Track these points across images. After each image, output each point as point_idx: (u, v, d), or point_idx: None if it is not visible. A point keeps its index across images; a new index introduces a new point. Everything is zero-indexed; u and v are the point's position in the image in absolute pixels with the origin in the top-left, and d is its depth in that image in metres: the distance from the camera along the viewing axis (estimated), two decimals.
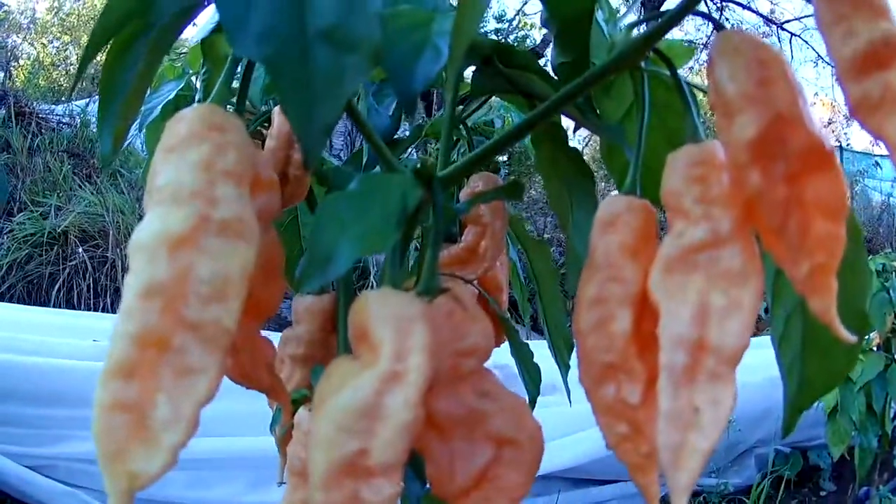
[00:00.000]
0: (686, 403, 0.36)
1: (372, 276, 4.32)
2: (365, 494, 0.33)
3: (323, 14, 0.33)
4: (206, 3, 0.44)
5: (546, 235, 6.33)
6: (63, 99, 7.69)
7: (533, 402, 0.75)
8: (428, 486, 0.65)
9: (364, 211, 0.35)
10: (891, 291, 2.95)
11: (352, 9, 0.33)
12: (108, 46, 0.44)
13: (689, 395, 0.36)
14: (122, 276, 4.64)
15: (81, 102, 6.57)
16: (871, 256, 3.44)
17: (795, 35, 9.99)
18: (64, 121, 6.21)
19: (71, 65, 9.96)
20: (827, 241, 0.37)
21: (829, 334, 0.53)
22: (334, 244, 0.33)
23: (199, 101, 0.81)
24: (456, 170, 0.45)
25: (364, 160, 0.72)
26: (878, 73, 0.36)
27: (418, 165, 0.41)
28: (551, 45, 0.61)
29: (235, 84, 0.46)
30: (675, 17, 0.45)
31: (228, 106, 0.42)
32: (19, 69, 9.06)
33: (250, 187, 0.39)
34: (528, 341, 0.94)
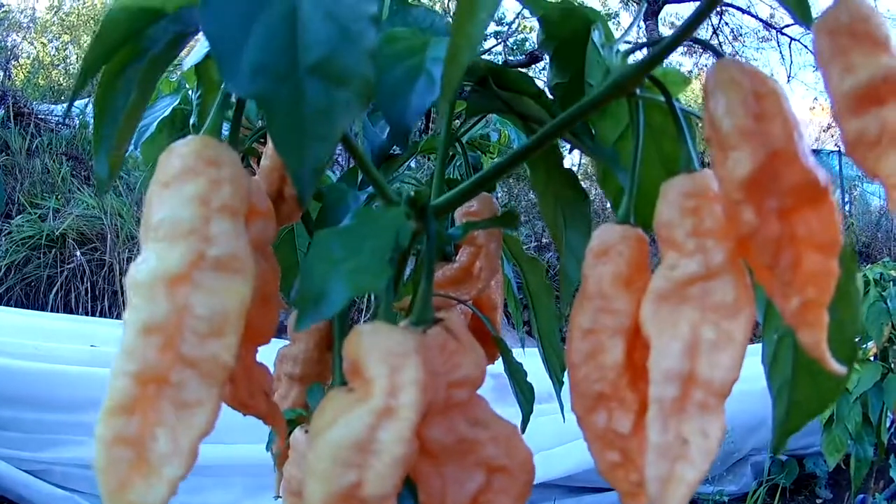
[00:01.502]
0: (674, 436, 0.36)
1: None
2: None
3: (315, 47, 0.33)
4: (198, 30, 0.44)
5: (544, 240, 6.33)
6: (62, 99, 7.69)
7: (526, 420, 0.75)
8: None
9: (356, 248, 0.35)
10: (888, 301, 2.95)
11: (344, 42, 0.34)
12: (101, 72, 0.45)
13: (678, 427, 0.36)
14: (121, 279, 4.63)
15: (80, 103, 6.56)
16: (868, 265, 3.45)
17: (795, 39, 10.00)
18: (63, 121, 6.21)
19: (70, 64, 9.95)
20: (818, 276, 0.37)
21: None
22: (326, 282, 0.33)
23: (193, 124, 0.82)
24: (450, 199, 0.45)
25: (360, 177, 0.73)
26: (875, 110, 0.36)
27: (412, 194, 0.41)
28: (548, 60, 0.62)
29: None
30: (670, 46, 0.45)
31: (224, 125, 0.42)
32: (19, 68, 9.05)
33: (245, 217, 0.39)
34: (524, 347, 0.94)
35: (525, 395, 0.74)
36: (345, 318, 0.61)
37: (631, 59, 0.55)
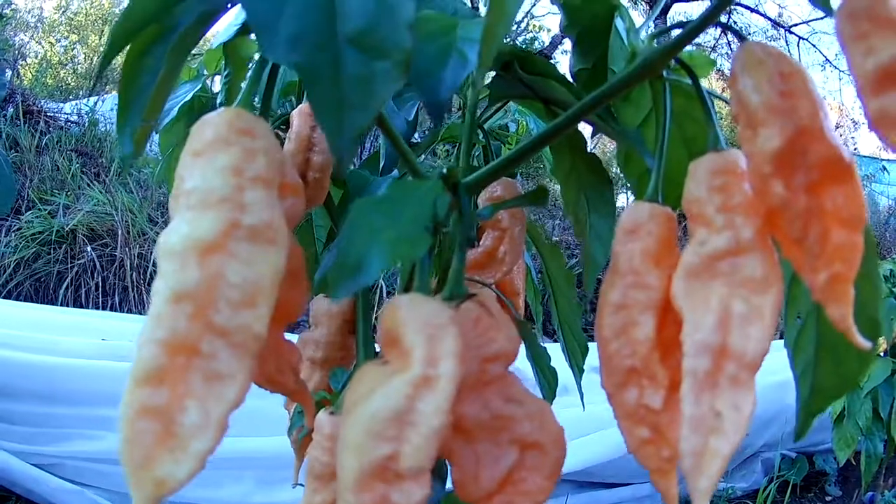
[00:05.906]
0: (708, 409, 0.37)
1: (380, 278, 4.26)
2: (395, 498, 0.33)
3: (352, 19, 0.33)
4: (228, 6, 0.44)
5: (555, 238, 6.32)
6: (71, 97, 7.69)
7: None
8: (448, 487, 0.65)
9: (395, 217, 0.35)
10: None
11: (382, 15, 0.34)
12: (127, 49, 0.44)
13: (711, 401, 0.37)
14: (131, 275, 4.62)
15: (90, 101, 6.56)
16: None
17: (803, 38, 9.98)
18: (72, 119, 6.20)
19: (78, 64, 9.97)
20: (845, 250, 0.38)
21: (841, 340, 0.54)
22: (365, 251, 0.33)
23: (220, 104, 0.82)
24: (481, 176, 0.45)
25: (381, 163, 0.73)
26: None
27: (444, 171, 0.41)
28: (560, 47, 0.62)
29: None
30: (697, 28, 0.46)
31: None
32: (26, 68, 9.07)
33: (278, 190, 0.38)
34: (542, 340, 0.94)
35: (547, 380, 0.74)
36: (368, 301, 0.62)
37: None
